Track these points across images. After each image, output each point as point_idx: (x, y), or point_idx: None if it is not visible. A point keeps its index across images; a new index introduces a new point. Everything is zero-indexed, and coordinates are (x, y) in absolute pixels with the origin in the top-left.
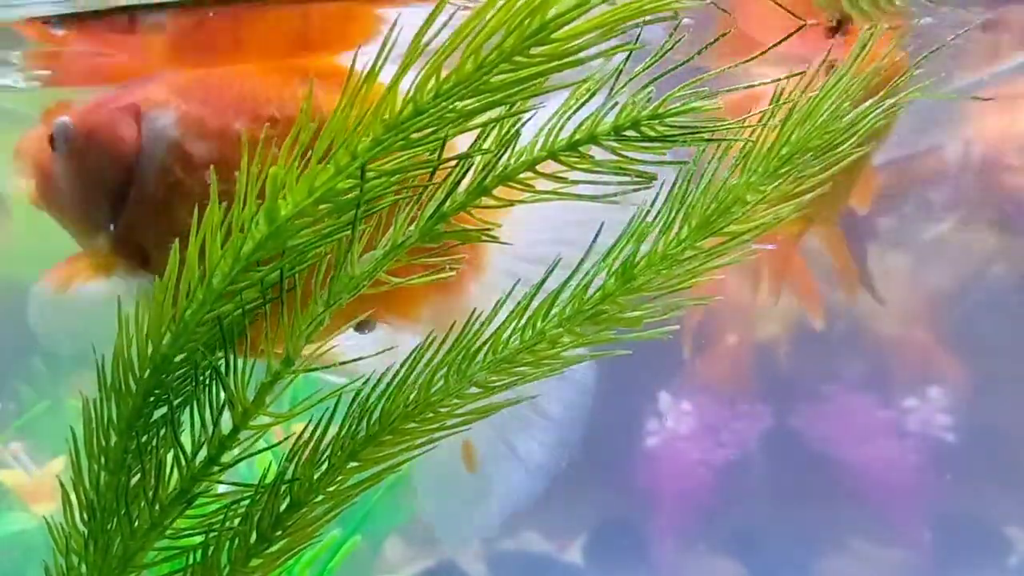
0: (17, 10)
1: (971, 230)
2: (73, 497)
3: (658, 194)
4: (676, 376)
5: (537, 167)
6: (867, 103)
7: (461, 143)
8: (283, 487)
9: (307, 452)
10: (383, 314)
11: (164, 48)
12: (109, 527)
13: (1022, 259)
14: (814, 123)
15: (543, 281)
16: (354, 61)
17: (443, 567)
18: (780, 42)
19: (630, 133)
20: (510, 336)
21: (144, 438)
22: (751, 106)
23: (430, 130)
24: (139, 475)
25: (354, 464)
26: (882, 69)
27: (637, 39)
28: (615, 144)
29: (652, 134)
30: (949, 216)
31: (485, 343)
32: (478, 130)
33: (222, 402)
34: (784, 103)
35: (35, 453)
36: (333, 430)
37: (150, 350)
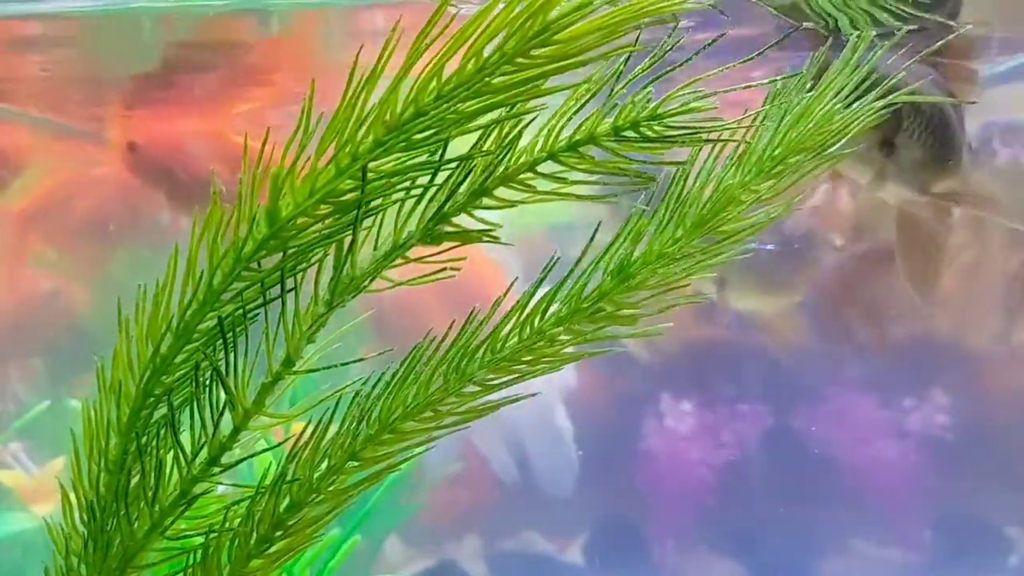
0: None
1: None
2: (73, 498)
3: (654, 193)
4: (676, 376)
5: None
6: (857, 104)
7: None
8: (283, 487)
9: (307, 452)
10: None
11: None
12: (109, 528)
13: None
14: (807, 124)
15: (541, 280)
16: (356, 61)
17: (443, 567)
18: (778, 43)
19: (629, 134)
20: (509, 334)
21: (144, 439)
22: None
23: (432, 131)
24: (139, 476)
25: (354, 464)
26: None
27: (637, 40)
28: (614, 145)
29: (651, 135)
30: None
31: (484, 342)
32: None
33: (222, 403)
34: (779, 103)
35: (35, 453)
36: (333, 430)
37: (150, 351)
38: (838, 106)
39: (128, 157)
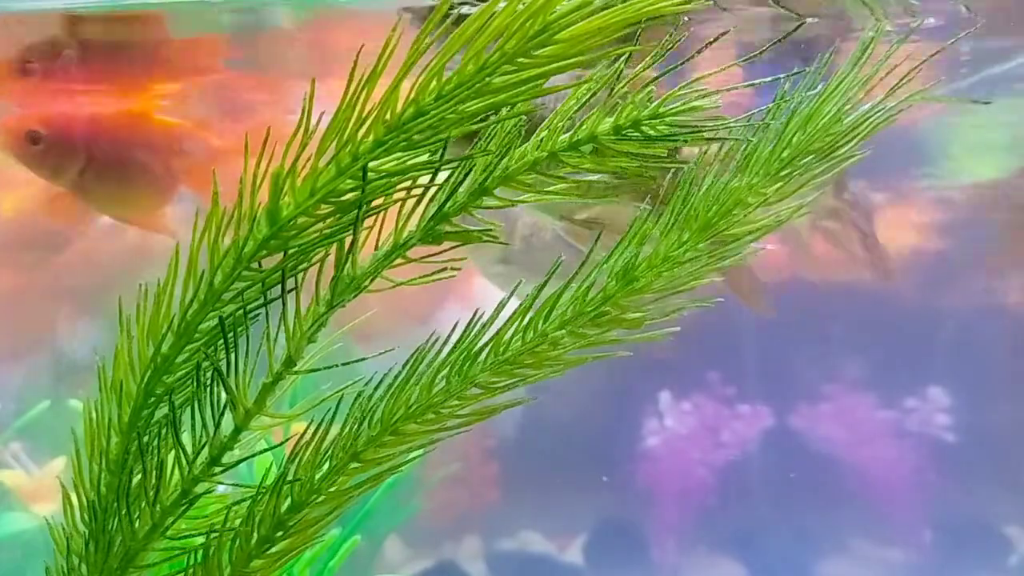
0: None
1: None
2: (74, 497)
3: (659, 196)
4: (676, 376)
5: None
6: (867, 106)
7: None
8: (284, 487)
9: (308, 452)
10: None
11: None
12: (110, 528)
13: None
14: (815, 126)
15: (545, 282)
16: (356, 61)
17: (443, 567)
18: (779, 41)
19: (631, 133)
20: (512, 337)
21: (145, 438)
22: None
23: (432, 131)
24: (140, 475)
25: (356, 465)
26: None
27: (636, 40)
28: (616, 144)
29: (653, 134)
30: None
31: (487, 344)
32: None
33: (223, 403)
34: (785, 104)
35: (35, 453)
36: (334, 431)
37: (151, 350)
38: (847, 107)
39: (29, 150)
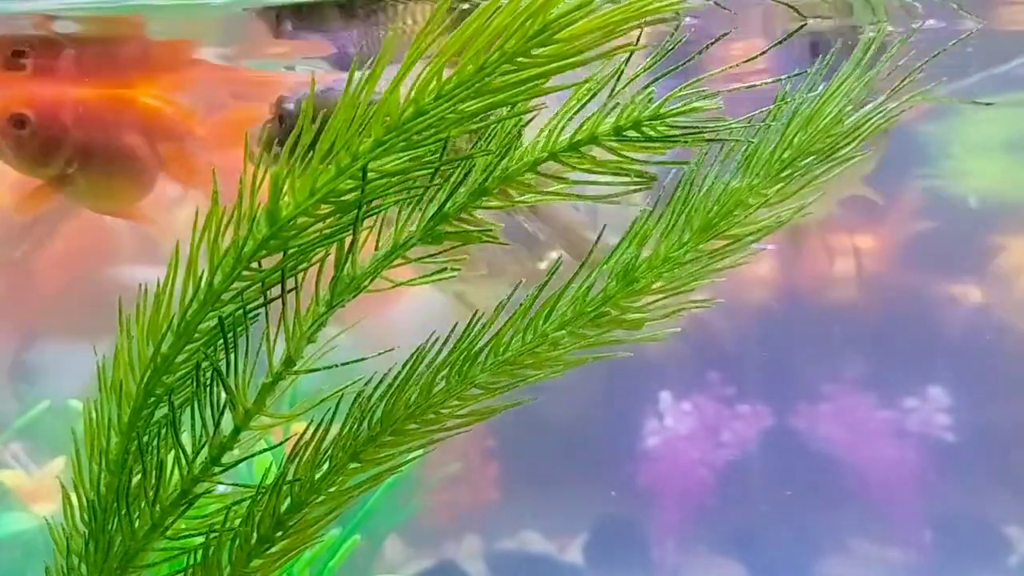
0: None
1: None
2: (74, 497)
3: (660, 196)
4: (676, 376)
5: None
6: (869, 106)
7: None
8: (284, 487)
9: (308, 452)
10: None
11: None
12: (110, 527)
13: None
14: (816, 126)
15: (546, 282)
16: (355, 61)
17: (443, 567)
18: (781, 41)
19: (631, 133)
20: (511, 338)
21: (145, 438)
22: None
23: (432, 131)
24: (140, 475)
25: (355, 465)
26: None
27: (638, 40)
28: (616, 145)
29: (653, 134)
30: None
31: (487, 345)
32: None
33: (223, 403)
34: (786, 104)
35: (35, 453)
36: (334, 431)
37: (151, 351)
38: (848, 108)
39: (12, 136)
